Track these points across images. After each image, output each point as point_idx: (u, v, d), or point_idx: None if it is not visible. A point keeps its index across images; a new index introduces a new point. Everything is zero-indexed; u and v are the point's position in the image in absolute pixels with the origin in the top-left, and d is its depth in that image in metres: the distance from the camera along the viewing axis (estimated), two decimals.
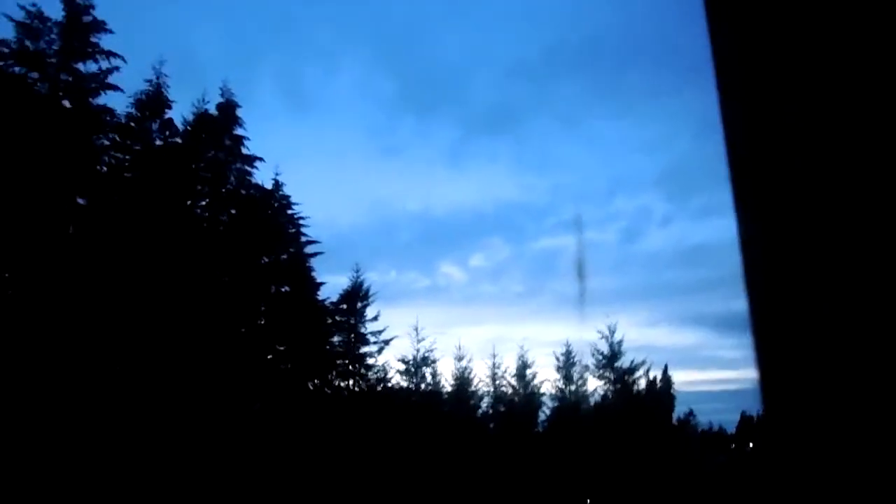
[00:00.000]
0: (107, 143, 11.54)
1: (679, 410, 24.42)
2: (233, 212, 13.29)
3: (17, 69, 10.27)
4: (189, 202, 12.55)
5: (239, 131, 13.56)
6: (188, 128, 12.69)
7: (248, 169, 13.80)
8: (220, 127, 13.07)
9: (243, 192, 13.53)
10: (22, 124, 9.57)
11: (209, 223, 12.92)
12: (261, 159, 14.01)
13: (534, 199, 27.70)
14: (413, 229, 26.20)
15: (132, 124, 11.93)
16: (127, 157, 11.61)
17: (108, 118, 11.21)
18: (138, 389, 9.98)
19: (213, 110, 13.24)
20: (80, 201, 10.86)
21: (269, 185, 14.32)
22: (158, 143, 12.26)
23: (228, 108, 13.28)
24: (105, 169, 11.29)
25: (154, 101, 12.14)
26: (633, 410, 19.42)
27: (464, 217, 25.61)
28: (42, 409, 8.71)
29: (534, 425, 20.45)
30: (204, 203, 13.01)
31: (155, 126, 12.23)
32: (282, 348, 14.11)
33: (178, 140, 12.56)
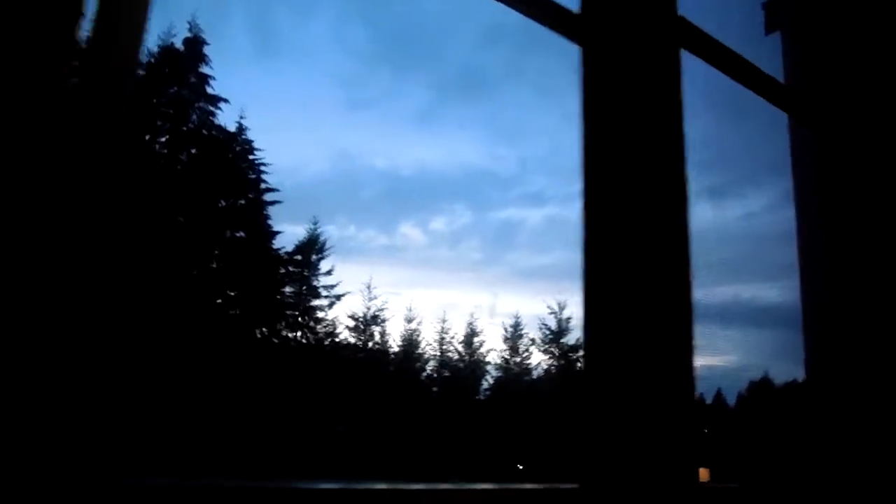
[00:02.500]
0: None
1: None
2: (193, 152, 13.01)
3: None
4: (147, 137, 12.25)
5: (205, 69, 13.23)
6: (152, 60, 12.32)
7: (212, 109, 13.49)
8: (185, 63, 12.71)
9: (205, 132, 13.24)
10: None
11: (167, 161, 12.63)
12: (225, 100, 13.71)
13: (501, 168, 27.57)
14: (377, 186, 25.84)
15: None
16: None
17: None
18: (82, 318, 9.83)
19: (179, 45, 12.87)
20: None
21: (232, 128, 14.06)
22: None
23: (195, 45, 12.90)
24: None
25: None
26: (572, 387, 19.91)
27: (429, 179, 25.35)
28: None
29: (476, 392, 20.85)
30: (163, 140, 12.71)
31: None
32: (232, 294, 14.03)
33: (141, 72, 12.20)
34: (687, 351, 1.29)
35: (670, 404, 1.24)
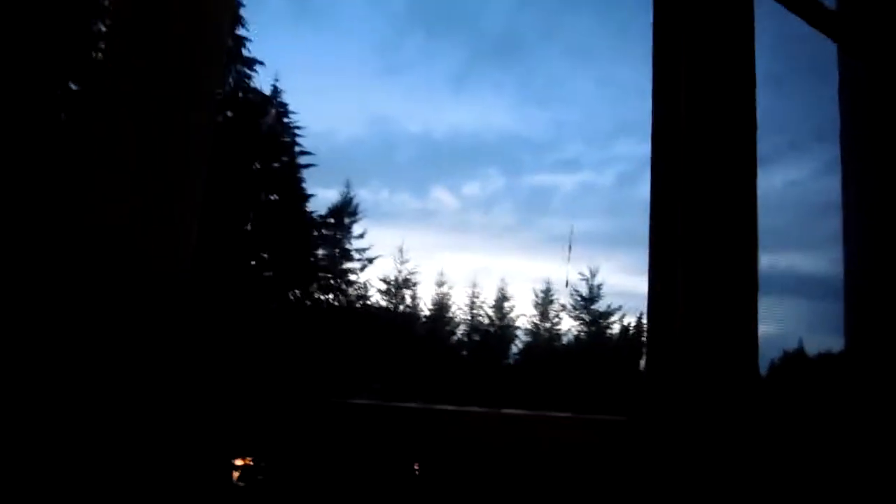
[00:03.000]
0: (103, 28, 11.27)
1: None
2: (228, 114, 13.11)
3: None
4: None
5: (241, 31, 13.24)
6: None
7: (248, 72, 13.54)
8: None
9: (241, 95, 13.32)
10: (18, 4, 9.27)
11: None
12: (261, 63, 13.73)
13: (535, 133, 27.17)
14: (410, 150, 25.76)
15: None
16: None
17: (104, 3, 10.95)
18: None
19: None
20: (73, 87, 10.71)
21: (267, 91, 14.10)
22: None
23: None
24: (100, 56, 11.04)
25: None
26: (603, 353, 19.91)
27: (462, 144, 25.14)
28: None
29: (505, 357, 21.00)
30: None
31: None
32: (266, 256, 14.25)
33: None
34: (751, 314, 1.29)
35: (735, 371, 1.26)
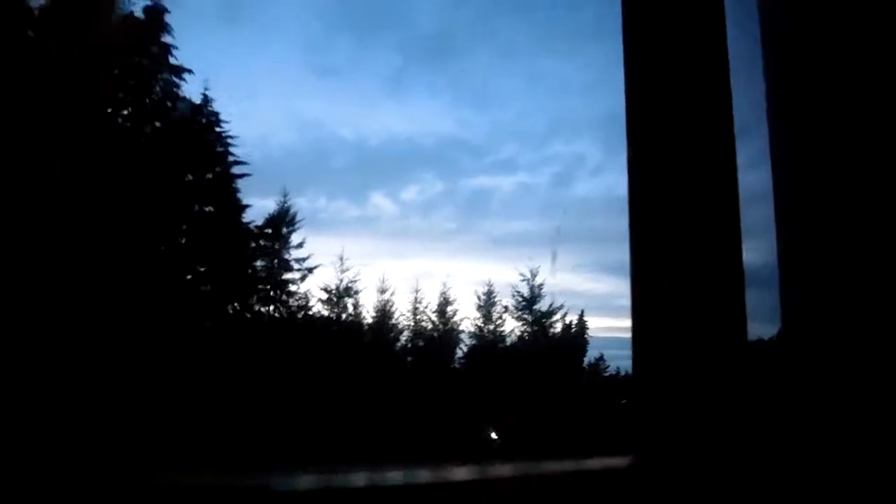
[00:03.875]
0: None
1: (591, 355, 25.68)
2: (157, 125, 12.67)
3: None
4: (109, 109, 11.88)
5: (167, 39, 12.82)
6: None
7: (176, 80, 13.12)
8: (146, 32, 12.30)
9: (169, 104, 12.89)
10: None
11: (131, 134, 12.28)
12: (190, 71, 13.33)
13: (471, 135, 27.32)
14: (346, 156, 25.46)
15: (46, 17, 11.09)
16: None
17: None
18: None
19: (139, 14, 12.44)
20: None
21: (197, 100, 13.70)
22: None
23: (156, 13, 12.48)
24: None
25: None
26: (547, 353, 20.15)
27: (399, 148, 25.04)
28: None
29: (450, 361, 21.00)
30: (126, 112, 12.33)
31: None
32: (202, 269, 13.82)
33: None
34: (739, 313, 1.29)
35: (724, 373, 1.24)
